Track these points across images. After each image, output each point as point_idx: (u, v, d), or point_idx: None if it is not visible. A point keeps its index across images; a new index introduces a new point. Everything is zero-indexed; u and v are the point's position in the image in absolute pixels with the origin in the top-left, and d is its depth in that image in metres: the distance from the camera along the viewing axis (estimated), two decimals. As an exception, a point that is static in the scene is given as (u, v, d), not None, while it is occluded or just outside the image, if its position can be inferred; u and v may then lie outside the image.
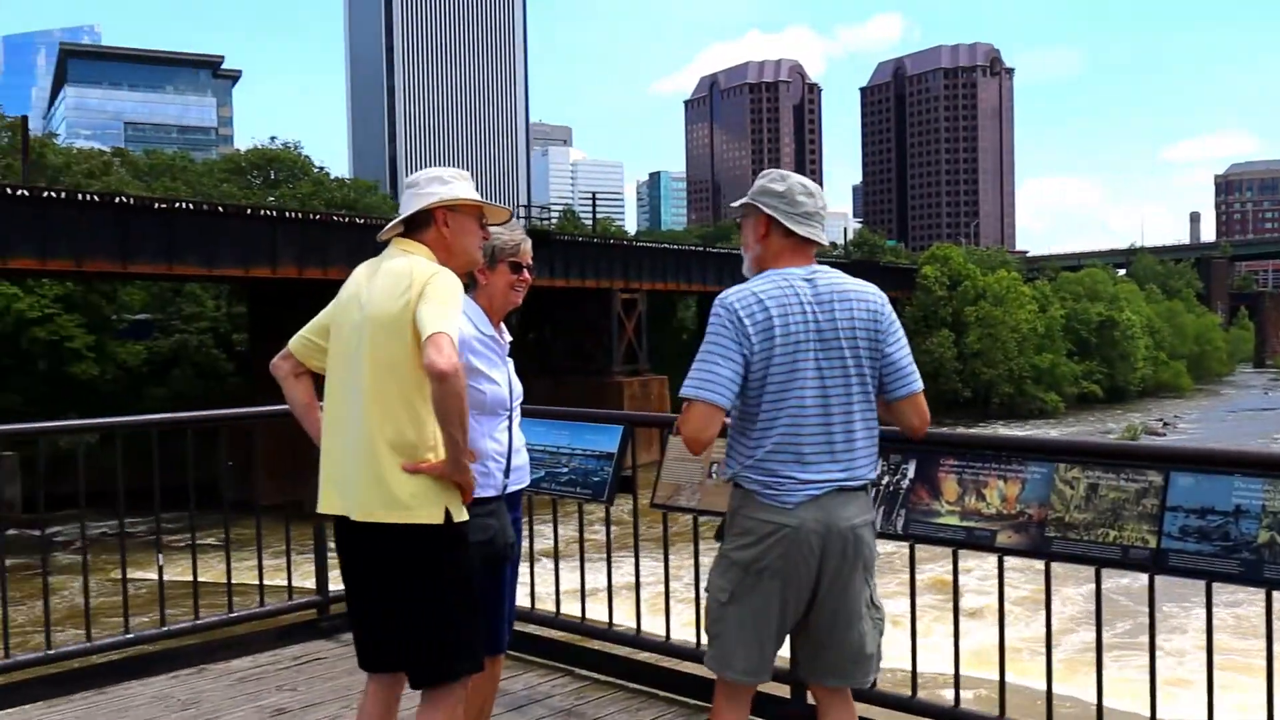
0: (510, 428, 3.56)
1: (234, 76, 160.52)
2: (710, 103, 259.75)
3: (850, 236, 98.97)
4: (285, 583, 5.87)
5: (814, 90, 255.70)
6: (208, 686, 4.93)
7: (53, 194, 31.23)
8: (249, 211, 36.26)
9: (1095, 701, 3.78)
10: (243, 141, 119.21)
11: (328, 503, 3.18)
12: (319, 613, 5.75)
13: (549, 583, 5.43)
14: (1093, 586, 3.70)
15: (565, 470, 4.96)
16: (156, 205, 33.45)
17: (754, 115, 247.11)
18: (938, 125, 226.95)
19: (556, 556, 5.34)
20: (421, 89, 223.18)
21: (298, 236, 34.99)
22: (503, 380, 3.51)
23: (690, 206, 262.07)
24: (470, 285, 3.50)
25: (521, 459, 3.66)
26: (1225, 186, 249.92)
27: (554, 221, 72.69)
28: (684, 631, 4.89)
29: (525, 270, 3.63)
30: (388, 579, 3.09)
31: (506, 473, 3.53)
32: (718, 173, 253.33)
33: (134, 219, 31.58)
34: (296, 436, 3.69)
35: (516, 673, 4.98)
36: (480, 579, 3.24)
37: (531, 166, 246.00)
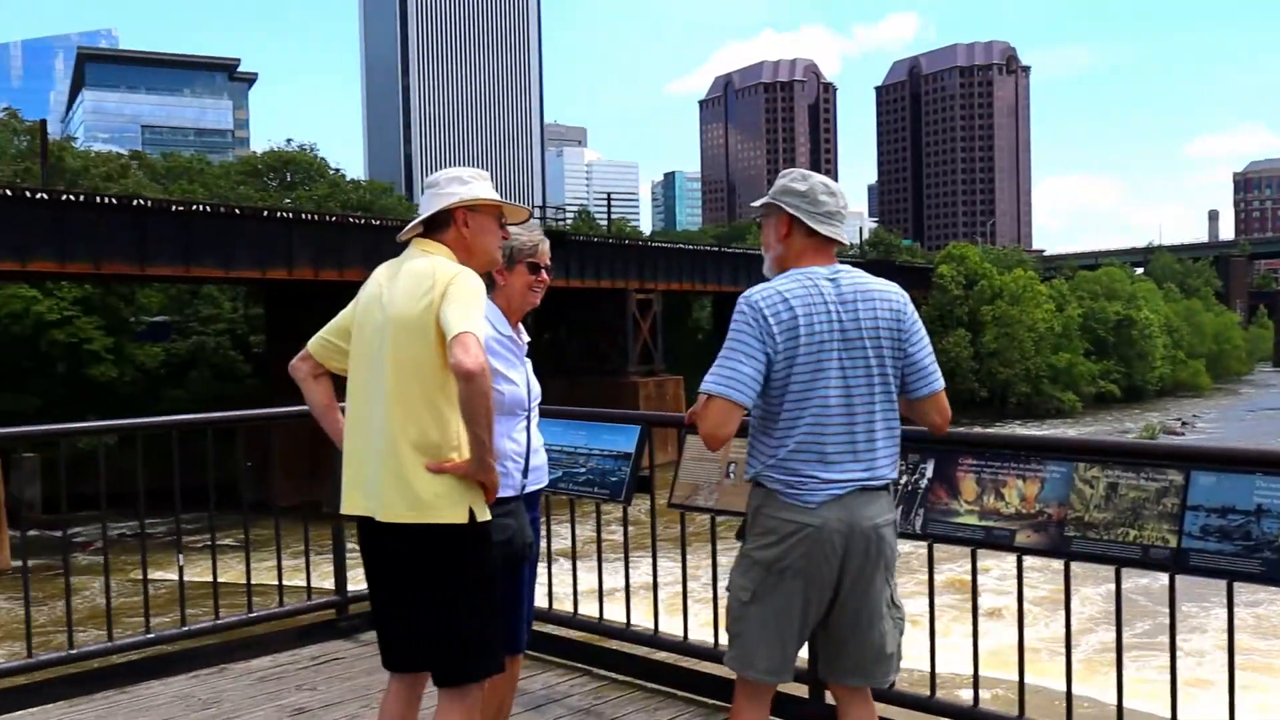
0: (529, 428, 3.57)
1: (250, 79, 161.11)
2: (725, 103, 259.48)
3: (866, 236, 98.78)
4: (304, 583, 5.90)
5: (829, 90, 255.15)
6: (228, 686, 4.95)
7: (71, 197, 31.40)
8: (265, 213, 36.40)
9: (1114, 702, 3.76)
10: (259, 144, 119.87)
11: (351, 504, 3.18)
12: (338, 613, 5.77)
13: (567, 583, 5.44)
14: (1111, 586, 3.68)
15: (583, 470, 4.97)
16: (174, 208, 33.65)
17: (769, 115, 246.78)
18: (953, 124, 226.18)
19: (574, 556, 5.35)
20: (436, 91, 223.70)
21: (314, 238, 35.12)
22: (521, 381, 3.51)
23: (705, 206, 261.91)
24: (488, 286, 3.50)
25: (540, 459, 3.67)
26: (1244, 184, 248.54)
27: (569, 222, 72.77)
28: (702, 631, 4.89)
29: (543, 271, 3.64)
30: (412, 579, 3.09)
31: (525, 473, 3.54)
32: (733, 173, 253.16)
33: (152, 221, 31.75)
34: (314, 438, 3.70)
35: (535, 672, 4.99)
36: (500, 579, 3.25)
37: (546, 167, 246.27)
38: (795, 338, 2.99)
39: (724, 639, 4.55)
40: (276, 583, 5.70)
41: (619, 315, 47.27)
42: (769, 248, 3.21)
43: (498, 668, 3.19)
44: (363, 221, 38.78)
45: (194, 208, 34.41)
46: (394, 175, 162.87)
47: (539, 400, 3.69)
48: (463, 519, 3.04)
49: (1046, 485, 3.69)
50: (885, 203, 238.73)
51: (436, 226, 3.24)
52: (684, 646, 4.91)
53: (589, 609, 5.30)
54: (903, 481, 3.94)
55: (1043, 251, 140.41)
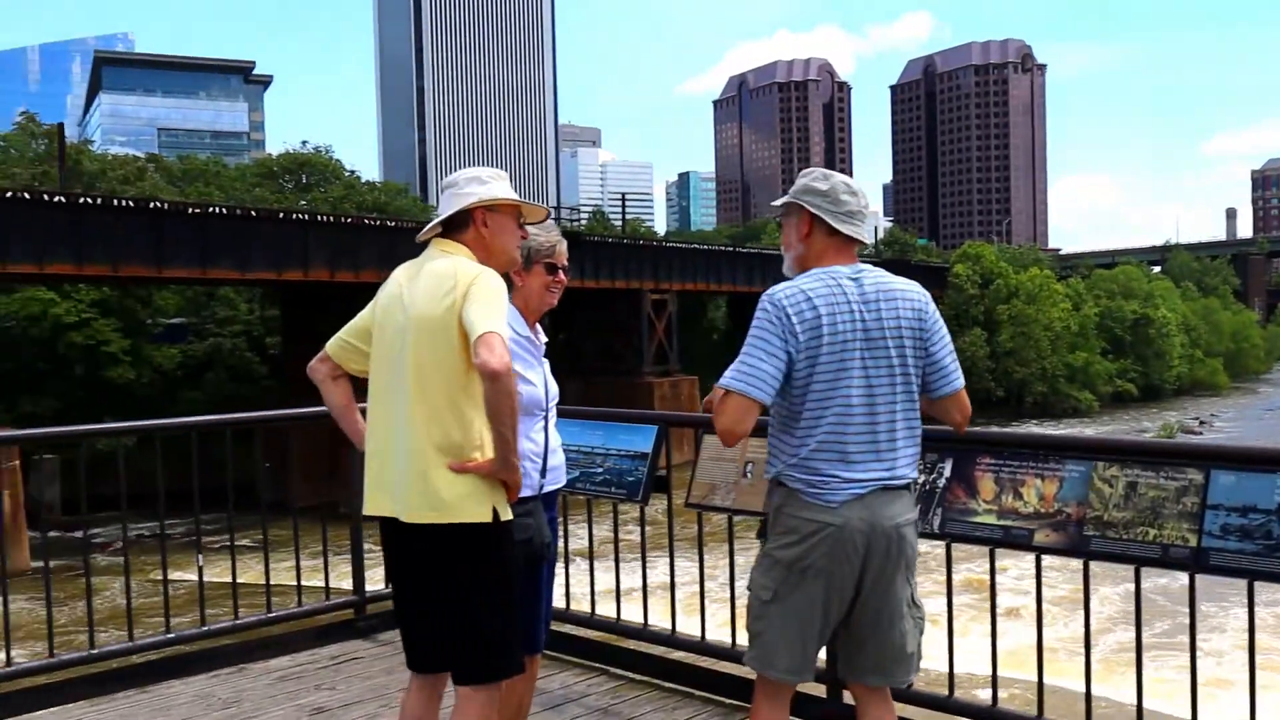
0: (546, 428, 3.57)
1: (265, 82, 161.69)
2: (739, 102, 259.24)
3: (881, 235, 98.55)
4: (322, 583, 5.92)
5: (843, 89, 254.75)
6: (248, 685, 4.98)
7: (89, 200, 31.58)
8: (281, 215, 36.55)
9: (1132, 702, 3.75)
10: (274, 146, 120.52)
11: (374, 505, 3.19)
12: (356, 613, 5.79)
13: (584, 583, 5.45)
14: (1129, 586, 3.68)
15: (600, 470, 4.97)
16: (190, 210, 33.83)
17: (783, 115, 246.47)
18: (969, 123, 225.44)
19: (591, 556, 5.35)
20: (450, 93, 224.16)
21: (329, 240, 35.26)
22: (539, 381, 3.52)
23: (720, 207, 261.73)
24: (507, 286, 3.51)
25: (558, 459, 3.68)
26: (1262, 181, 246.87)
27: (583, 223, 72.80)
28: (719, 631, 4.89)
29: (561, 271, 3.65)
30: (436, 579, 3.10)
31: (543, 473, 3.55)
32: (747, 173, 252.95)
33: (168, 224, 31.94)
34: (332, 439, 3.71)
35: (552, 672, 5.00)
36: (520, 578, 3.26)
37: (561, 168, 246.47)
38: (818, 336, 2.99)
39: (741, 639, 4.56)
40: (295, 583, 5.73)
41: (634, 316, 47.30)
42: (790, 247, 3.21)
43: (518, 668, 3.20)
44: (378, 223, 38.93)
45: (210, 210, 34.60)
46: (409, 177, 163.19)
47: (557, 400, 3.70)
48: (486, 518, 3.05)
49: (1065, 484, 3.68)
50: (900, 202, 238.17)
51: (455, 227, 3.25)
52: (701, 646, 4.91)
53: (606, 609, 5.31)
54: (920, 481, 3.93)
55: (1059, 250, 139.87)
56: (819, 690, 4.26)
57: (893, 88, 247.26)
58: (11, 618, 4.99)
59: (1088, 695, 3.86)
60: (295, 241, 34.45)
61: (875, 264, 3.21)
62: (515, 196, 3.31)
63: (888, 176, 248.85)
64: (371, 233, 36.90)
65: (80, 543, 6.09)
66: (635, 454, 4.91)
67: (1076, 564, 3.74)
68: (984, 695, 4.24)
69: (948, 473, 3.93)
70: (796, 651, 3.09)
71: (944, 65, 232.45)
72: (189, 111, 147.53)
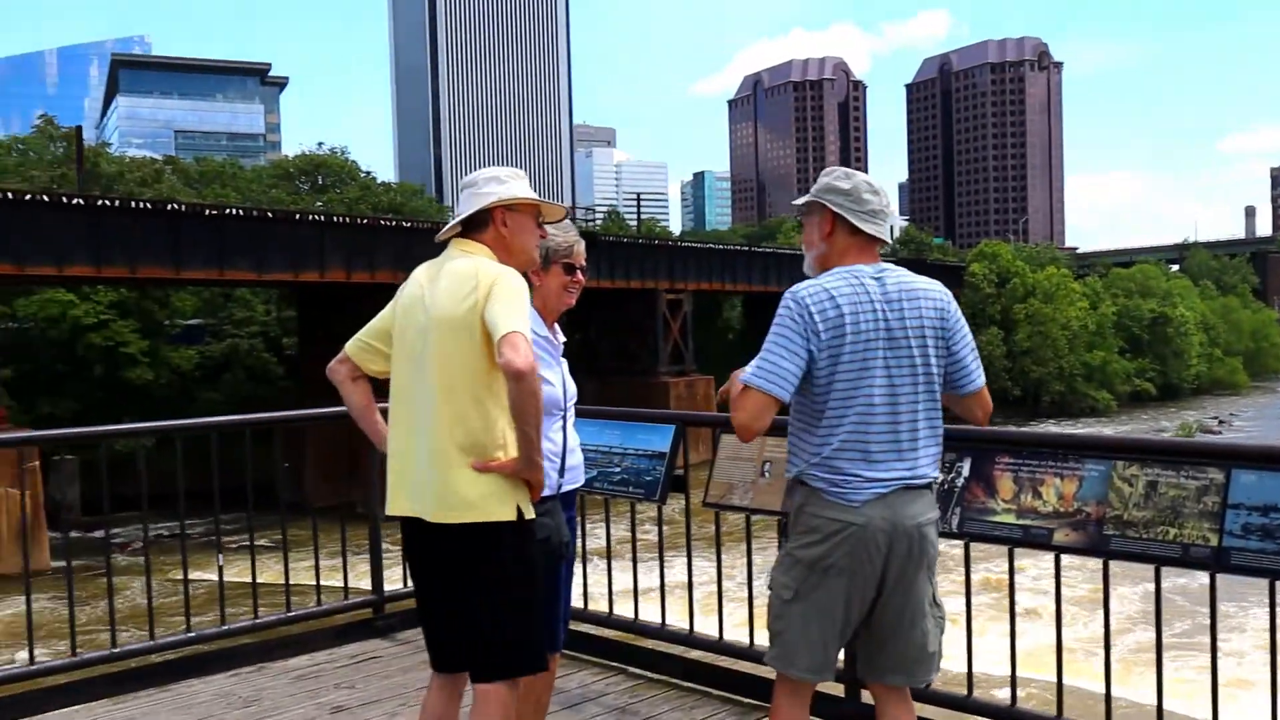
0: (565, 428, 3.58)
1: (281, 83, 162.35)
2: (754, 102, 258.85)
3: (897, 234, 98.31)
4: (341, 583, 5.94)
5: (859, 88, 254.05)
6: (267, 684, 5.00)
7: (107, 202, 31.74)
8: (297, 216, 36.67)
9: (1150, 702, 3.74)
10: (290, 148, 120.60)
11: (397, 505, 3.20)
12: (375, 612, 5.82)
13: (602, 582, 5.46)
14: (1147, 586, 3.69)
15: (618, 470, 4.98)
16: (207, 212, 33.98)
17: (798, 114, 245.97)
18: (985, 121, 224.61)
19: (609, 556, 5.36)
20: (465, 93, 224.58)
21: (345, 241, 35.36)
22: (557, 381, 3.53)
23: (735, 206, 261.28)
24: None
25: (576, 459, 3.68)
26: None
27: (598, 223, 72.85)
28: (737, 631, 4.89)
29: (579, 272, 3.66)
30: (460, 578, 3.11)
31: (561, 472, 3.55)
32: (762, 172, 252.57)
33: (186, 225, 32.08)
34: (349, 439, 3.73)
35: (570, 671, 5.01)
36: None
37: (575, 168, 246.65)
38: (841, 335, 2.99)
39: (759, 638, 4.56)
40: (314, 583, 5.76)
41: (649, 315, 47.29)
42: (811, 246, 3.20)
43: (542, 665, 3.22)
44: (394, 224, 39.04)
45: (227, 212, 34.75)
46: (424, 177, 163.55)
47: (575, 400, 3.71)
48: (511, 516, 3.06)
49: (1084, 484, 3.67)
50: (916, 201, 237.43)
51: (475, 226, 3.26)
52: (719, 646, 4.91)
53: (624, 608, 5.32)
54: (939, 480, 3.92)
55: (1076, 249, 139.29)
56: (837, 690, 4.26)
57: (908, 86, 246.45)
58: (33, 617, 5.03)
59: (1107, 695, 3.85)
60: (311, 242, 34.57)
61: (891, 263, 3.21)
62: (534, 196, 3.31)
63: (903, 175, 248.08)
64: (387, 233, 37.00)
65: (100, 542, 6.12)
66: (653, 453, 4.92)
67: (1094, 564, 3.73)
68: (1001, 695, 4.24)
69: (966, 472, 3.92)
70: (817, 651, 3.09)
71: (960, 63, 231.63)
72: (205, 113, 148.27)
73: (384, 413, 3.44)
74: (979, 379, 3.20)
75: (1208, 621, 3.62)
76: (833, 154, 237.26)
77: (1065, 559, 3.86)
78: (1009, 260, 68.31)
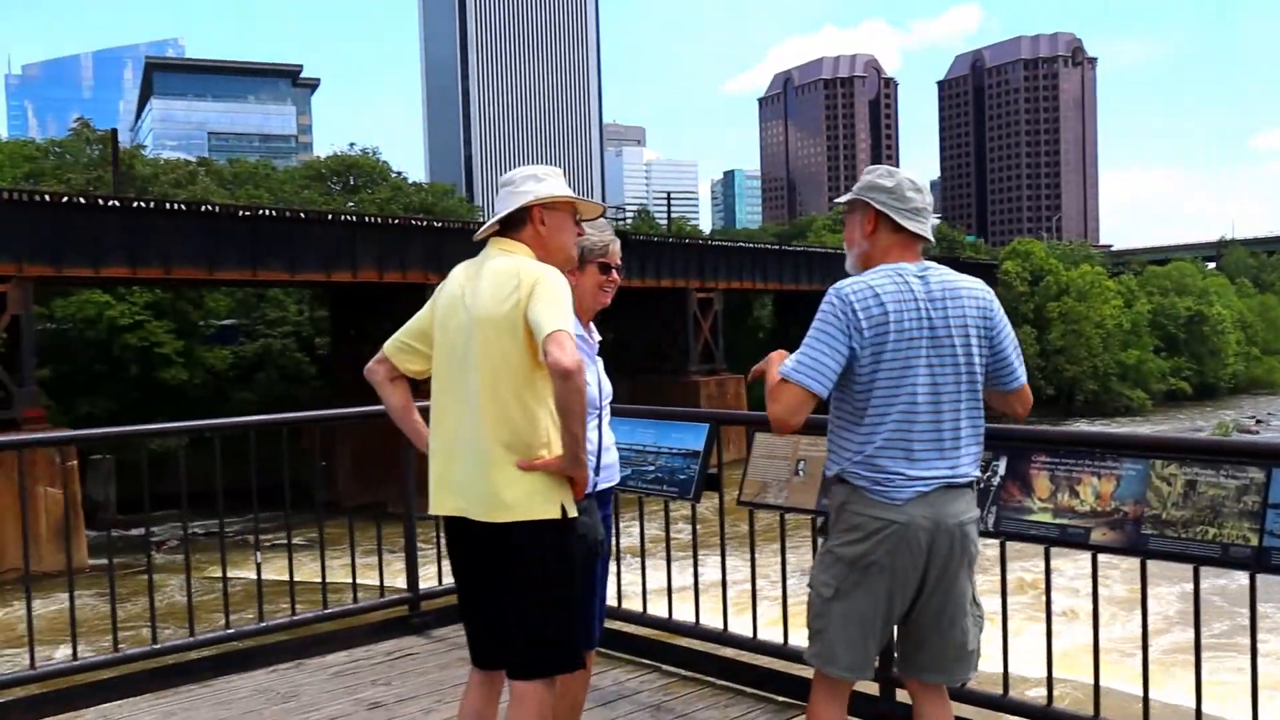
0: (600, 426, 3.60)
1: (313, 85, 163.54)
2: (785, 100, 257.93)
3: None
4: (377, 581, 5.99)
5: (890, 85, 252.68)
6: (305, 680, 5.05)
7: (142, 204, 32.12)
8: (330, 217, 36.94)
9: (1184, 704, 3.72)
10: (322, 148, 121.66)
11: (440, 504, 3.21)
12: (410, 609, 5.86)
13: (635, 580, 5.47)
14: (1184, 587, 3.65)
15: (652, 468, 5.00)
16: (241, 213, 34.29)
17: (829, 112, 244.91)
18: (1018, 118, 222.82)
19: (643, 554, 5.37)
20: (495, 93, 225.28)
21: (377, 241, 35.60)
22: (593, 380, 3.54)
23: (765, 205, 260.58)
24: None
25: (611, 457, 3.70)
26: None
27: (629, 222, 72.90)
28: (771, 629, 4.89)
29: (614, 271, 3.67)
30: (503, 576, 3.13)
31: (596, 470, 3.57)
32: (793, 170, 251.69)
33: (220, 226, 32.42)
34: (384, 438, 3.75)
35: (605, 669, 5.02)
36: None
37: (605, 167, 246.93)
38: (884, 333, 2.98)
39: (794, 637, 4.56)
40: (350, 580, 5.81)
41: (680, 314, 47.30)
42: (853, 244, 3.20)
43: (579, 664, 3.23)
44: (425, 224, 39.25)
45: (260, 212, 35.06)
46: (455, 177, 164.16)
47: (610, 399, 3.73)
48: (555, 515, 3.08)
49: (1122, 483, 3.64)
50: (948, 199, 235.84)
51: (513, 225, 3.26)
52: (753, 644, 4.92)
53: (658, 607, 5.33)
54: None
55: (1110, 246, 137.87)
56: (873, 689, 4.25)
57: (940, 83, 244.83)
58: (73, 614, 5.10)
59: (1145, 696, 3.83)
60: (343, 243, 34.82)
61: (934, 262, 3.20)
62: (571, 193, 3.31)
63: (935, 173, 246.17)
64: (419, 233, 37.21)
65: (136, 541, 6.19)
66: (687, 452, 4.93)
67: (1129, 564, 3.70)
68: (1035, 695, 4.22)
69: (1002, 471, 3.91)
70: (858, 649, 3.09)
71: (992, 60, 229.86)
72: (238, 115, 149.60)
73: (423, 412, 3.47)
74: (1022, 376, 3.21)
75: (1246, 622, 3.59)
76: (863, 152, 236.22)
77: (1102, 559, 3.84)
78: (1042, 258, 67.81)
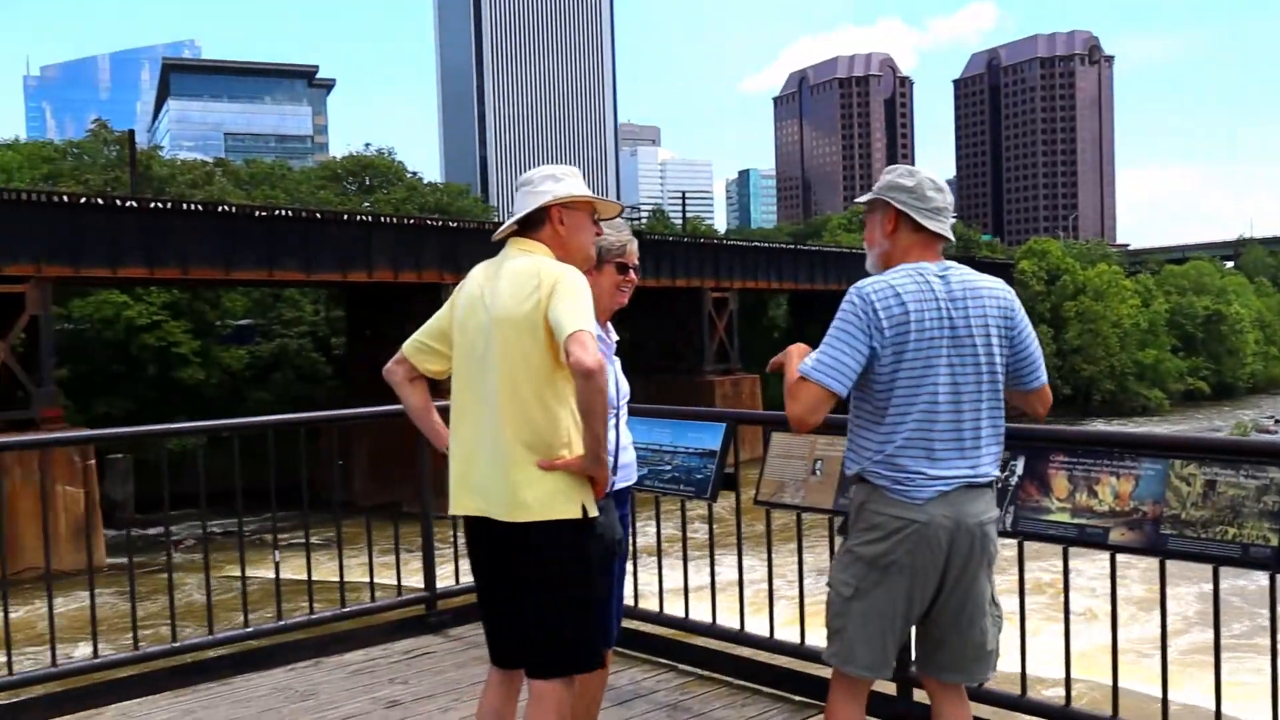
0: (617, 426, 3.60)
1: (328, 85, 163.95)
2: (799, 99, 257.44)
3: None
4: (393, 580, 6.01)
5: (905, 84, 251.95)
6: (323, 679, 5.07)
7: (159, 205, 32.32)
8: (345, 217, 37.07)
9: (1202, 705, 3.70)
10: (338, 149, 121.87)
11: (461, 504, 3.21)
12: (427, 608, 5.88)
13: (652, 580, 5.48)
14: (1203, 587, 3.64)
15: (668, 468, 5.00)
16: (257, 213, 34.45)
17: (844, 111, 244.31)
18: (1034, 116, 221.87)
19: (660, 553, 5.38)
20: (510, 93, 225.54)
21: (393, 241, 35.70)
22: (610, 380, 3.55)
23: (780, 204, 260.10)
24: None
25: (628, 456, 3.71)
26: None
27: (644, 221, 72.96)
28: (788, 629, 4.89)
29: (632, 271, 3.67)
30: (523, 576, 3.13)
31: (614, 470, 3.57)
32: (808, 170, 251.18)
33: (236, 227, 32.57)
34: (401, 438, 3.76)
35: (621, 668, 5.02)
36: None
37: (620, 167, 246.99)
38: (905, 332, 2.98)
39: (810, 636, 4.56)
40: (368, 579, 5.83)
41: (695, 314, 47.30)
42: (874, 243, 3.20)
43: (598, 663, 3.24)
44: (440, 224, 39.35)
45: (276, 213, 35.21)
46: (470, 178, 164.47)
47: (627, 399, 3.73)
48: (575, 514, 3.08)
49: (1141, 482, 3.63)
50: (964, 198, 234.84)
51: (532, 225, 3.26)
52: (770, 643, 4.91)
53: (674, 606, 5.33)
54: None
55: (1127, 245, 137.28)
56: (890, 689, 4.25)
57: (956, 82, 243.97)
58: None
59: (1164, 696, 3.81)
60: (359, 243, 34.93)
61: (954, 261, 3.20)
62: (590, 193, 3.31)
63: (951, 172, 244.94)
64: (434, 234, 37.30)
65: (153, 540, 6.22)
66: (704, 451, 4.93)
67: (1146, 564, 3.69)
68: (1051, 694, 4.21)
69: (1020, 470, 3.90)
70: (877, 648, 3.09)
71: (1008, 58, 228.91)
72: (254, 116, 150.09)
73: (442, 412, 3.47)
74: (1043, 376, 3.22)
75: (1266, 623, 3.58)
76: (879, 151, 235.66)
77: (1120, 559, 3.83)
78: (1059, 257, 67.59)
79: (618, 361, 3.68)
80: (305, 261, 33.70)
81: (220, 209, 34.03)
